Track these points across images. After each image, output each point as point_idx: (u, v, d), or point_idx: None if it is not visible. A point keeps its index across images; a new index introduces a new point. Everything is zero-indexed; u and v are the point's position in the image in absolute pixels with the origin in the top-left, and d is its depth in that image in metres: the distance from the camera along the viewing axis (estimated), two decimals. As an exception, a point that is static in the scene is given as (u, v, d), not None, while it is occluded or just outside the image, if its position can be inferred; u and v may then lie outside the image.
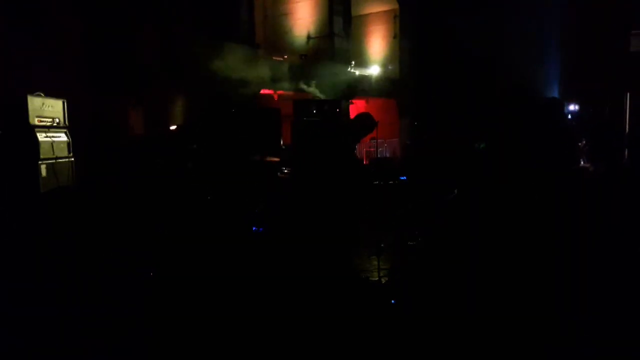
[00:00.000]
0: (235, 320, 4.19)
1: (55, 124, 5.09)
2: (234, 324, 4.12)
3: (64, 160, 5.15)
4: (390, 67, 15.00)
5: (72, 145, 5.29)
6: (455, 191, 5.00)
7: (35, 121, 4.83)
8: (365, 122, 5.35)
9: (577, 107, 11.73)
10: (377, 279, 5.37)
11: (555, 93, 12.69)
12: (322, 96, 10.45)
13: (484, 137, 6.67)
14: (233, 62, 9.23)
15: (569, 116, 10.97)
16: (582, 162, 7.48)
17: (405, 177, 5.46)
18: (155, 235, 4.59)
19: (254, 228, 5.83)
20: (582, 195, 5.64)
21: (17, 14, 5.85)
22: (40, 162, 4.77)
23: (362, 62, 14.28)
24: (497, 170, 5.05)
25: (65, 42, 6.53)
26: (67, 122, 5.30)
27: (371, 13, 15.63)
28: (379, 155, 10.84)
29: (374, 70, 13.89)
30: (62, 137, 5.18)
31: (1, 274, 2.84)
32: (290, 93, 10.92)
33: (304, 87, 10.87)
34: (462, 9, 12.97)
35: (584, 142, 8.02)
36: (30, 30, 5.98)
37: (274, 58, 11.28)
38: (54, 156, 4.97)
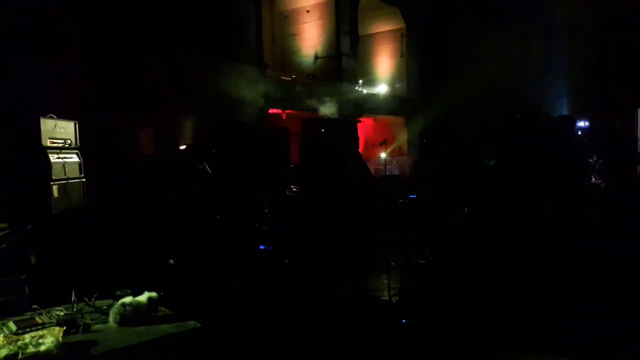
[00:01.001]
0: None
1: (67, 145, 5.15)
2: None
3: (75, 180, 5.19)
4: (397, 85, 15.09)
5: (83, 166, 5.34)
6: (466, 209, 4.97)
7: (48, 143, 4.89)
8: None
9: (587, 123, 11.68)
10: (387, 298, 5.33)
11: (564, 109, 12.65)
12: (330, 115, 10.51)
13: (493, 154, 6.64)
14: (242, 82, 9.33)
15: (579, 132, 10.91)
16: (593, 179, 7.42)
17: (414, 196, 5.44)
18: (163, 256, 4.60)
19: (261, 247, 5.83)
20: (593, 210, 5.58)
21: (26, 38, 5.98)
22: (52, 183, 4.82)
23: (370, 81, 14.38)
24: (507, 188, 5.02)
25: (75, 65, 6.64)
26: (78, 143, 5.36)
27: (378, 32, 15.80)
28: (387, 173, 10.82)
29: (381, 88, 13.98)
30: (74, 158, 5.23)
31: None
32: (298, 112, 11.00)
33: (312, 106, 10.94)
34: (468, 26, 13.06)
35: (595, 158, 7.96)
36: (40, 53, 6.10)
37: (282, 78, 11.39)
38: (66, 177, 5.02)
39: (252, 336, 4.25)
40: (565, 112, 12.39)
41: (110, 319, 2.50)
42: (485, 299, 4.84)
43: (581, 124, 11.51)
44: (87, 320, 2.48)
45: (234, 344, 4.08)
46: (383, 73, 15.56)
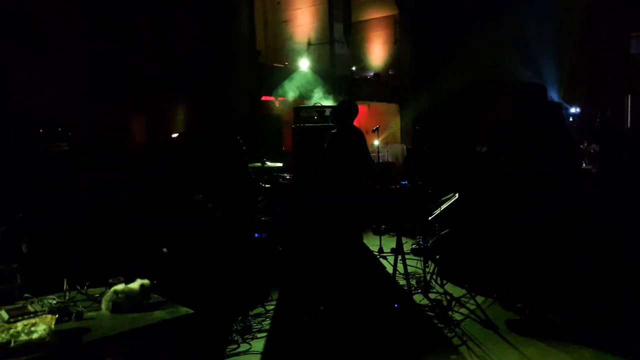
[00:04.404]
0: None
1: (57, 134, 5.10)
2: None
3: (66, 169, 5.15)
4: (391, 72, 15.04)
5: (74, 155, 5.30)
6: (457, 195, 5.00)
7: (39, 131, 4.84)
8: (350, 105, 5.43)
9: (578, 110, 11.71)
10: (380, 282, 5.39)
11: (555, 96, 12.68)
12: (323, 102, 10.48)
13: (485, 140, 6.66)
14: (234, 69, 9.26)
15: (570, 118, 10.94)
16: (584, 164, 7.47)
17: (406, 182, 5.46)
18: (157, 244, 4.61)
19: (256, 235, 5.84)
20: (586, 196, 5.61)
21: (15, 24, 5.89)
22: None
23: (363, 68, 14.33)
24: (498, 174, 5.05)
25: (65, 52, 6.56)
26: (69, 132, 5.31)
27: (371, 19, 15.70)
28: (380, 160, 10.83)
29: (374, 75, 13.92)
30: (65, 146, 5.19)
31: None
32: (291, 99, 10.96)
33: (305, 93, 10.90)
34: (461, 13, 13.01)
35: (586, 144, 8.00)
36: (29, 39, 6.02)
37: (274, 65, 11.32)
38: (57, 166, 4.98)
39: (243, 322, 4.29)
40: (555, 98, 12.42)
41: (103, 306, 2.52)
42: (475, 285, 4.90)
43: (572, 110, 11.56)
44: (80, 308, 2.50)
45: (226, 330, 4.12)
46: (376, 60, 15.50)
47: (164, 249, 4.71)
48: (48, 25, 6.36)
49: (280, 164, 6.75)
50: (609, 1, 12.56)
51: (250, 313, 4.57)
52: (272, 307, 4.77)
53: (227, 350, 3.80)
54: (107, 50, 7.12)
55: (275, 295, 5.06)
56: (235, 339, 3.98)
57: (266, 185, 6.52)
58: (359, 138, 5.51)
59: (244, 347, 3.86)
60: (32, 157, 4.77)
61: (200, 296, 4.01)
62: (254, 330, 4.18)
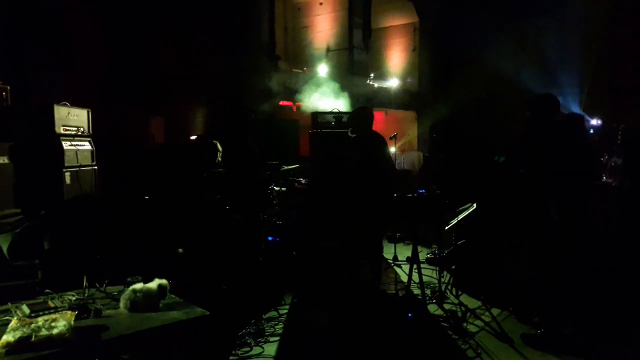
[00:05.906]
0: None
1: (79, 133, 5.21)
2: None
3: (87, 168, 5.25)
4: (409, 80, 15.00)
5: (95, 154, 5.40)
6: (474, 205, 4.96)
7: (61, 130, 4.94)
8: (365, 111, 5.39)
9: (599, 122, 11.53)
10: (394, 291, 5.36)
11: (576, 107, 12.52)
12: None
13: (503, 150, 6.59)
14: (253, 74, 9.34)
15: (591, 130, 10.78)
16: (604, 178, 7.34)
17: (424, 190, 5.44)
18: (173, 244, 4.64)
19: (270, 238, 5.86)
20: (605, 209, 5.51)
21: (40, 26, 6.02)
22: (64, 170, 4.88)
23: (381, 75, 14.32)
24: (516, 184, 4.99)
25: (87, 53, 6.69)
26: (91, 131, 5.42)
27: (391, 26, 15.70)
28: (397, 168, 10.79)
29: (393, 82, 13.91)
30: (86, 145, 5.29)
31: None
32: (308, 105, 10.98)
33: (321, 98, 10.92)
34: (481, 22, 12.93)
35: (606, 157, 7.86)
36: (54, 41, 6.15)
37: (293, 70, 11.38)
38: (78, 164, 5.08)
39: (256, 326, 4.30)
40: (577, 110, 12.25)
41: (121, 304, 2.55)
42: (491, 297, 4.85)
43: (593, 122, 11.38)
44: (98, 306, 2.53)
45: (239, 332, 4.13)
46: (394, 67, 15.48)
47: (180, 250, 4.74)
48: (71, 27, 6.49)
49: (296, 166, 6.76)
50: (633, 8, 12.36)
51: (264, 316, 4.58)
52: (285, 311, 4.77)
53: (240, 353, 3.81)
54: (128, 52, 7.24)
55: (288, 299, 5.06)
56: (248, 341, 3.99)
57: (282, 189, 6.54)
58: (378, 143, 5.38)
59: (256, 350, 3.87)
60: (54, 156, 4.85)
61: (214, 298, 4.03)
62: (266, 333, 4.19)
